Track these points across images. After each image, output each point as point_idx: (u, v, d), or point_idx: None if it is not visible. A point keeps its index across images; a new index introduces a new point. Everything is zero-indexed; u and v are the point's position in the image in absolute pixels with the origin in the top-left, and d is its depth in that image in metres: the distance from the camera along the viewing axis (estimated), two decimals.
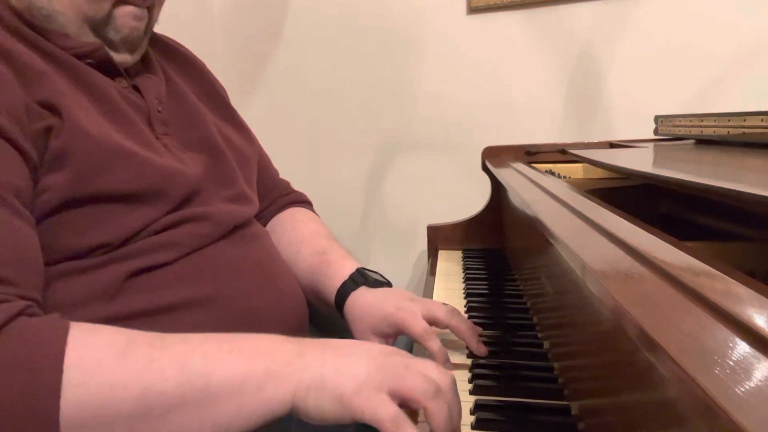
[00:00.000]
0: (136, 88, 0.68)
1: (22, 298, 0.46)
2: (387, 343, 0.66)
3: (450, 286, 0.92)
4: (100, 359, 0.44)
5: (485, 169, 1.13)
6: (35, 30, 0.60)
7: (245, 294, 0.64)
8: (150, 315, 0.58)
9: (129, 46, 0.67)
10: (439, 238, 1.16)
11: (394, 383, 0.44)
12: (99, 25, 0.64)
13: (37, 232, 0.53)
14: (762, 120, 0.66)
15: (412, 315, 0.64)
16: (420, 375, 0.45)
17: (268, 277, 0.68)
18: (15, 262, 0.47)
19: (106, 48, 0.64)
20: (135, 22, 0.65)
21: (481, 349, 0.64)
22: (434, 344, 0.62)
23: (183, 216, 0.63)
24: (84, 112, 0.57)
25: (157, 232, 0.61)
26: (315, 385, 0.44)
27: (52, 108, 0.55)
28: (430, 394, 0.44)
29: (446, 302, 0.67)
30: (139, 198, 0.60)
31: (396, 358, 0.47)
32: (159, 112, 0.68)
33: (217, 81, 0.87)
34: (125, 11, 0.64)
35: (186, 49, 0.85)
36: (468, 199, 1.26)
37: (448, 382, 0.46)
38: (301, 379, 0.45)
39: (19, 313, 0.44)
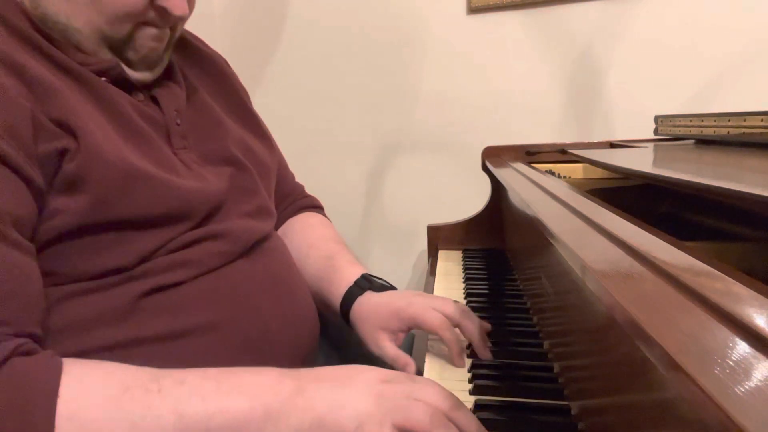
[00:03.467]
0: (154, 99, 0.66)
1: (17, 335, 0.45)
2: (396, 339, 0.66)
3: (450, 286, 0.92)
4: (94, 409, 0.42)
5: (485, 169, 1.13)
6: (51, 41, 0.58)
7: (261, 314, 0.63)
8: (163, 340, 0.56)
9: (148, 64, 0.64)
10: (439, 238, 1.16)
11: (398, 417, 0.43)
12: (117, 45, 0.61)
13: (45, 256, 0.51)
14: (762, 120, 0.66)
15: (424, 308, 0.64)
16: (423, 406, 0.44)
17: (284, 294, 0.67)
18: (8, 299, 0.46)
19: (123, 66, 0.62)
20: (155, 43, 0.63)
21: (487, 354, 0.63)
22: (450, 334, 0.62)
23: (201, 234, 0.61)
24: (100, 132, 0.55)
25: (172, 251, 0.59)
26: (315, 424, 0.44)
27: (66, 127, 0.53)
28: (436, 427, 0.43)
29: (456, 300, 0.67)
30: (157, 221, 0.58)
31: (397, 386, 0.46)
32: (178, 125, 0.66)
33: (239, 82, 0.84)
34: (146, 33, 0.61)
35: (208, 47, 0.82)
36: (468, 199, 1.26)
37: (452, 404, 0.45)
38: (302, 419, 0.44)
39: (12, 354, 0.42)
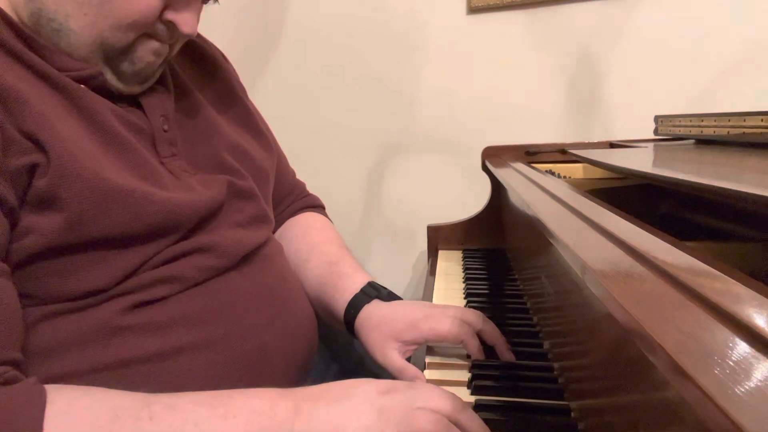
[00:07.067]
0: (138, 104, 0.62)
1: None
2: (407, 352, 0.64)
3: (450, 286, 0.92)
4: None
5: (485, 169, 1.13)
6: (31, 45, 0.54)
7: (255, 330, 0.60)
8: (151, 361, 0.54)
9: (139, 78, 0.61)
10: (439, 238, 1.16)
11: (402, 429, 0.43)
12: (114, 55, 0.58)
13: (16, 278, 0.48)
14: (762, 120, 0.66)
15: (441, 321, 0.62)
16: (427, 413, 0.43)
17: (279, 307, 0.64)
18: None
19: (110, 76, 0.59)
20: (153, 57, 0.60)
21: (510, 356, 0.62)
22: (475, 342, 0.61)
23: (186, 248, 0.58)
24: (76, 144, 0.51)
25: (155, 267, 0.56)
26: None
27: (37, 141, 0.49)
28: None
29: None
30: (139, 237, 0.54)
31: (397, 396, 0.45)
32: (165, 131, 0.62)
33: (235, 77, 0.80)
34: (147, 46, 0.59)
35: (202, 39, 0.78)
36: (468, 199, 1.26)
37: (455, 407, 0.45)
38: None
39: None
